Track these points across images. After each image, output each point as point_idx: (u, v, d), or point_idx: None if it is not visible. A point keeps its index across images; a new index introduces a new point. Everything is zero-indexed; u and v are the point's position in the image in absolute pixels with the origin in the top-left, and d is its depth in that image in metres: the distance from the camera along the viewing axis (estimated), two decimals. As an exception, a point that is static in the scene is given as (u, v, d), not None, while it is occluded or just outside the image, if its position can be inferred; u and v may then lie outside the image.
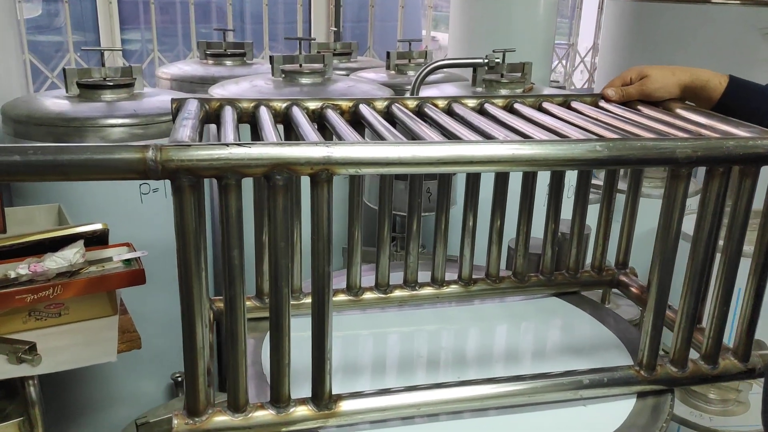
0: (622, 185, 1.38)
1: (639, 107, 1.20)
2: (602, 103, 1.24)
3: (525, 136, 1.01)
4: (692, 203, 1.59)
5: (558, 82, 4.14)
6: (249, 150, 0.82)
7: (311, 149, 0.83)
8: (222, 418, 0.93)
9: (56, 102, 1.94)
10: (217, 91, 2.12)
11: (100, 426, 2.00)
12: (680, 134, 1.01)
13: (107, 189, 1.85)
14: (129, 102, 1.97)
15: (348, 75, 2.71)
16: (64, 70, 1.98)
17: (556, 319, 1.35)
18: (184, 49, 3.70)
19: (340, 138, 1.00)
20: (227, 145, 0.81)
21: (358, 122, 1.16)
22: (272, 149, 0.82)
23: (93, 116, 1.86)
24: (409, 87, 2.62)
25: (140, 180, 0.82)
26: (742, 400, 2.12)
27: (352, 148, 0.85)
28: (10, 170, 0.76)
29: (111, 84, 1.98)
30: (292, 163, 0.83)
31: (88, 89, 1.96)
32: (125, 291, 1.48)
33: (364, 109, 1.16)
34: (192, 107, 1.07)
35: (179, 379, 2.02)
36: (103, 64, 2.01)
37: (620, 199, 1.38)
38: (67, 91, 1.98)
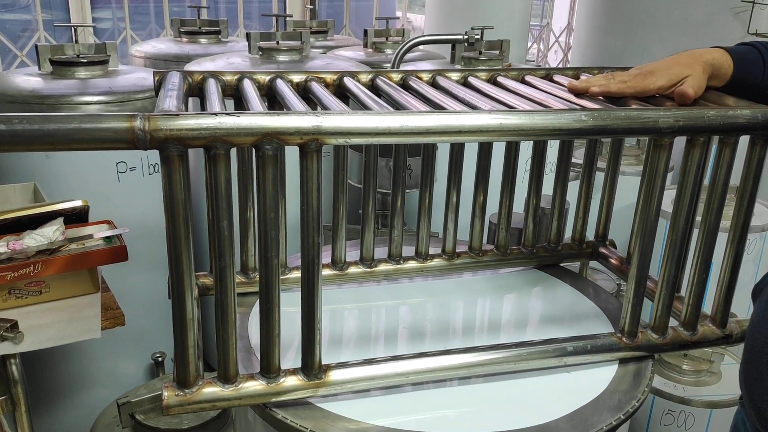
0: (600, 164, 1.40)
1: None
2: (583, 76, 1.25)
3: (510, 108, 1.02)
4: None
5: (533, 62, 4.16)
6: (238, 119, 0.81)
7: (301, 119, 0.83)
8: (212, 390, 0.93)
9: (28, 79, 1.90)
10: (193, 69, 2.09)
11: (80, 407, 1.98)
12: (661, 105, 1.03)
13: (83, 168, 1.82)
14: (104, 79, 1.93)
15: (325, 53, 2.69)
16: (36, 46, 1.94)
17: (538, 290, 1.37)
18: (156, 27, 3.64)
19: (326, 109, 0.99)
20: (216, 114, 0.81)
21: (342, 95, 1.15)
22: (262, 119, 0.82)
23: (67, 93, 1.83)
24: (387, 65, 2.62)
25: (128, 150, 0.81)
26: (715, 370, 2.18)
27: (341, 118, 0.85)
28: (-5, 140, 0.75)
29: (85, 61, 1.94)
30: (281, 133, 0.83)
31: (62, 66, 1.93)
32: (103, 272, 1.47)
33: (348, 81, 1.15)
34: (175, 79, 1.06)
35: (159, 359, 2.01)
36: (76, 41, 1.97)
37: (597, 177, 1.40)
38: (39, 69, 1.94)
